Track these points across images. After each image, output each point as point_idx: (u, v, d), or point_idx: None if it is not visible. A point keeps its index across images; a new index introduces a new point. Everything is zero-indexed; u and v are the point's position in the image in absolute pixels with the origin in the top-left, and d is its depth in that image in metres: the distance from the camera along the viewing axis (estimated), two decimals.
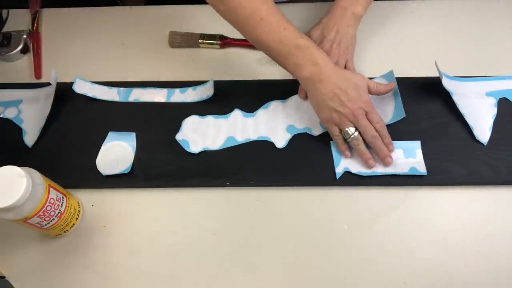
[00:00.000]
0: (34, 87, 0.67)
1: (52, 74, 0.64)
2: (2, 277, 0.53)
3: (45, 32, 0.76)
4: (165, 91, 0.66)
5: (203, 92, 0.66)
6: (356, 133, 0.56)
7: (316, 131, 0.61)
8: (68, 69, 0.69)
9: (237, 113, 0.64)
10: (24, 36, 0.73)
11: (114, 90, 0.67)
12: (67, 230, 0.55)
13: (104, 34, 0.74)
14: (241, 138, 0.62)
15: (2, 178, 0.46)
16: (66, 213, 0.53)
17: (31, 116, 0.65)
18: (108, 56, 0.72)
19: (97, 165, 0.60)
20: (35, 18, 0.76)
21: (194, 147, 0.61)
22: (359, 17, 0.64)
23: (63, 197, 0.52)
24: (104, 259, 0.54)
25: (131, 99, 0.66)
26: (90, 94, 0.66)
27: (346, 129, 0.56)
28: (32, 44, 0.73)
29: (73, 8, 0.78)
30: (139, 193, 0.59)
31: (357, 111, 0.55)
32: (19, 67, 0.72)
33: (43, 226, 0.51)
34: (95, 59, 0.72)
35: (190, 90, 0.66)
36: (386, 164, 0.57)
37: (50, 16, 0.77)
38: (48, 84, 0.65)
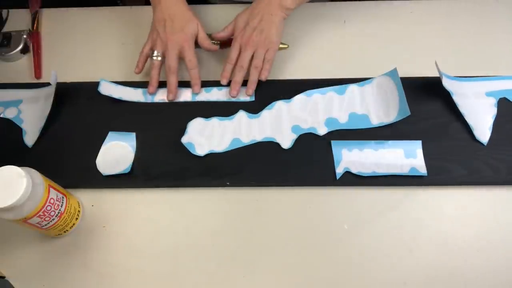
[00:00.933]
0: (34, 87, 0.67)
1: (52, 75, 0.64)
2: (2, 277, 0.53)
3: (45, 32, 0.76)
4: (190, 90, 0.66)
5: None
6: (160, 58, 0.64)
7: (322, 131, 0.61)
8: (68, 69, 0.70)
9: (241, 114, 0.63)
10: (24, 36, 0.73)
11: (139, 91, 0.66)
12: (67, 230, 0.55)
13: (104, 34, 0.74)
14: (246, 139, 0.61)
15: (2, 178, 0.46)
16: (66, 213, 0.53)
17: (31, 116, 0.65)
18: (108, 56, 0.72)
19: (97, 165, 0.60)
20: (35, 18, 0.76)
21: (200, 150, 0.60)
22: (286, 8, 0.63)
23: (63, 197, 0.52)
24: (104, 259, 0.54)
25: (157, 99, 0.66)
26: (115, 95, 0.65)
27: (155, 50, 0.64)
28: (32, 44, 0.73)
29: (73, 8, 0.78)
30: (139, 193, 0.59)
31: (172, 41, 0.62)
32: (19, 67, 0.72)
33: (43, 226, 0.51)
34: (95, 59, 0.72)
35: (215, 90, 0.66)
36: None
37: (50, 16, 0.77)
38: (48, 84, 0.65)
